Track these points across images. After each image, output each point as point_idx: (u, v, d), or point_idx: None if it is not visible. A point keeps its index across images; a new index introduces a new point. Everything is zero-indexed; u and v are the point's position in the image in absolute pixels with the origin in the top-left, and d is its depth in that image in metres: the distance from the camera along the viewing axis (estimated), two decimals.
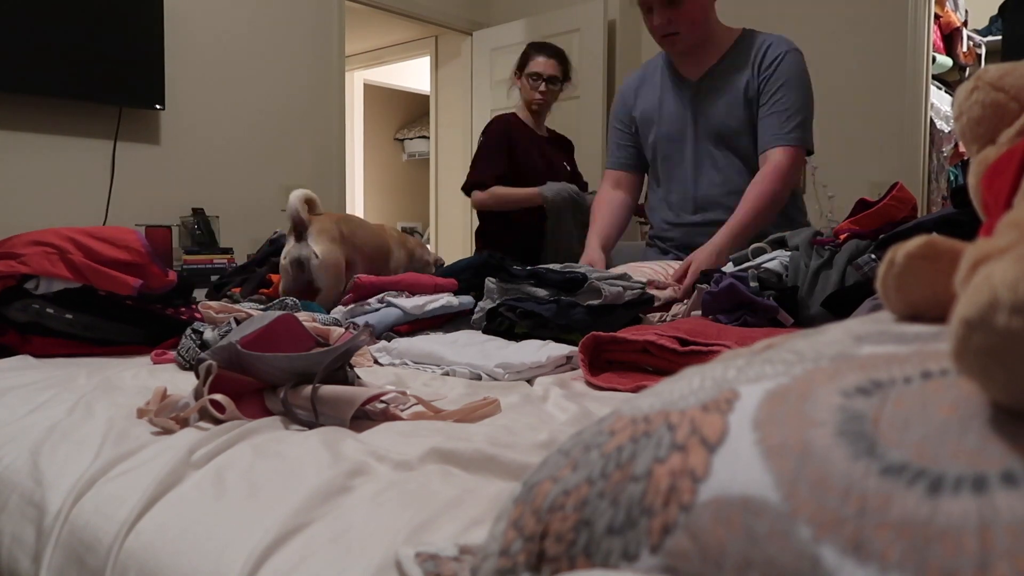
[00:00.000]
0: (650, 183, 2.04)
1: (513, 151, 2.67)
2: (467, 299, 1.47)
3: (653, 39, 1.85)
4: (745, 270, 1.28)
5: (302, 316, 1.28)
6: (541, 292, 1.33)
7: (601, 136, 3.86)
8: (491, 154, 2.67)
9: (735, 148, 1.83)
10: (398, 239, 1.95)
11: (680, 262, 1.64)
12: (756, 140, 1.80)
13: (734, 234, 1.68)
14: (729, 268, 1.33)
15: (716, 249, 1.64)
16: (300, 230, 1.67)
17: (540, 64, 2.69)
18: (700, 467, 0.30)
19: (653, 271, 1.59)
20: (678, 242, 1.92)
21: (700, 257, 1.62)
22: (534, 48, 2.75)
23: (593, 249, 1.90)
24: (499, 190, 2.65)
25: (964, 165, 3.69)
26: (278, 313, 0.99)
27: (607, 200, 2.01)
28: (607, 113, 3.90)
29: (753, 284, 1.22)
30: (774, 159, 1.74)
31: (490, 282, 1.41)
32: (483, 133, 2.78)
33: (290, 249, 1.68)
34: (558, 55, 2.73)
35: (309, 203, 1.70)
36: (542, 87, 2.68)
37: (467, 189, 2.75)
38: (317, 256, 1.64)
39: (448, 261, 1.88)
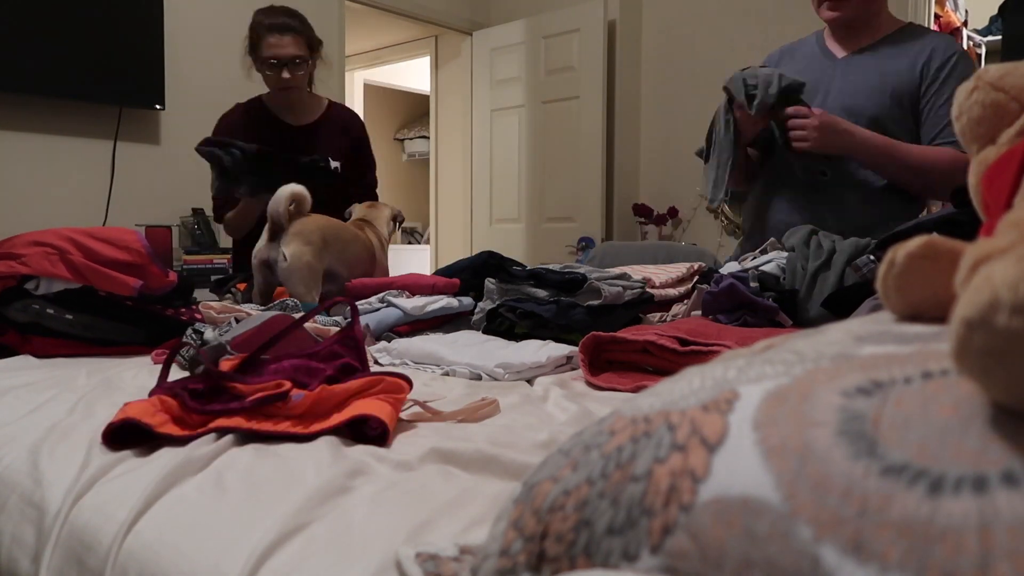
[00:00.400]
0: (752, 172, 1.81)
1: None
2: (467, 300, 1.47)
3: (815, 8, 1.70)
4: (745, 270, 1.28)
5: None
6: (541, 293, 1.33)
7: (601, 136, 3.86)
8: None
9: None
10: (379, 247, 1.84)
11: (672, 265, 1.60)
12: (892, 136, 1.63)
13: (877, 146, 1.56)
14: (732, 268, 1.33)
15: (849, 131, 1.53)
16: (276, 230, 1.55)
17: (274, 46, 2.01)
18: (700, 467, 0.30)
19: (654, 272, 1.58)
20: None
21: (830, 122, 1.52)
22: (263, 27, 2.04)
23: None
24: (229, 215, 2.07)
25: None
26: (273, 313, 0.99)
27: None
28: (607, 113, 3.90)
29: (753, 284, 1.22)
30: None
31: (490, 283, 1.41)
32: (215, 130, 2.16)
33: (260, 249, 1.56)
34: (293, 28, 2.04)
35: (298, 202, 1.58)
36: (284, 73, 2.03)
37: (216, 217, 2.18)
38: (285, 258, 1.52)
39: (448, 261, 1.86)
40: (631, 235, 4.03)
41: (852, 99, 1.66)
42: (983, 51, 3.92)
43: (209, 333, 1.20)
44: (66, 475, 0.69)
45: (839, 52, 1.74)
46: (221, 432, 0.74)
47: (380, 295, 1.45)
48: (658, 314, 1.41)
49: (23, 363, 1.20)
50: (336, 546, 0.51)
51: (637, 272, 1.49)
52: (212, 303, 1.39)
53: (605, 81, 3.86)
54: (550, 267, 1.40)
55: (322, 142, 2.17)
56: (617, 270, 1.45)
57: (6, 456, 0.77)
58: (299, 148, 2.08)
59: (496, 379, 1.07)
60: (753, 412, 0.31)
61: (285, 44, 2.01)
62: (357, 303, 1.45)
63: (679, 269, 1.52)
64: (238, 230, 2.11)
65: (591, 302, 1.28)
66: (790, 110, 1.57)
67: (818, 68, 1.74)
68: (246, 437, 0.73)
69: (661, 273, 1.49)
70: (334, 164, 1.96)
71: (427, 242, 5.87)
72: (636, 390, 0.97)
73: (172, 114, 3.09)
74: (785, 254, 1.32)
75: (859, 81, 1.67)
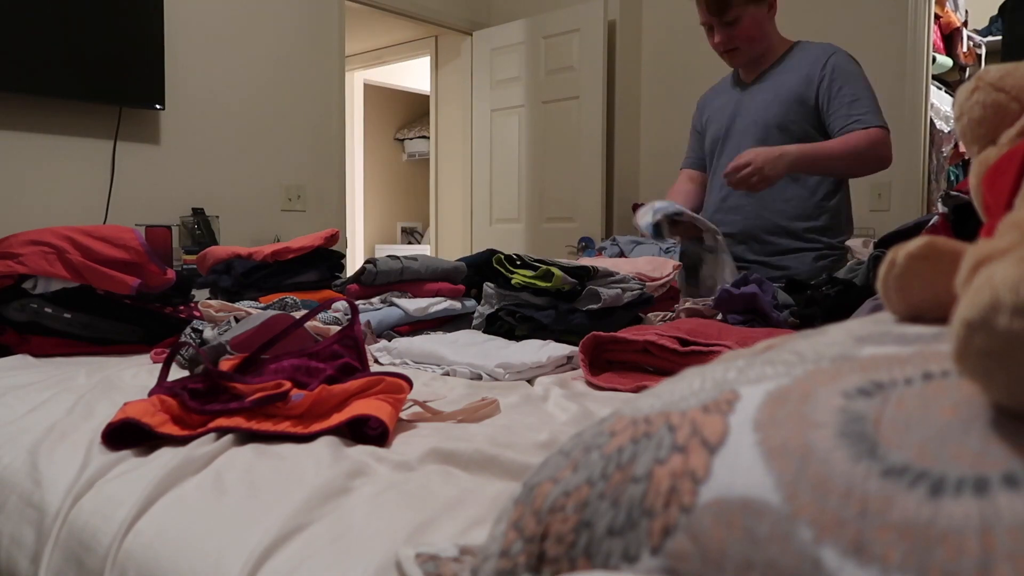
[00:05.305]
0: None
1: None
2: (470, 302, 1.47)
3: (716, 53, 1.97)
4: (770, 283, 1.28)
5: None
6: (538, 300, 1.32)
7: (601, 136, 3.86)
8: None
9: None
10: None
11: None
12: (796, 134, 1.86)
13: (807, 152, 1.72)
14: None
15: (782, 152, 1.69)
16: None
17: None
18: (701, 468, 0.30)
19: (639, 265, 1.58)
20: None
21: (762, 153, 1.68)
22: None
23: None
24: None
25: (964, 165, 3.69)
26: (273, 313, 0.99)
27: (678, 189, 2.19)
28: (607, 113, 3.90)
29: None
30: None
31: (488, 287, 1.40)
32: None
33: None
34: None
35: None
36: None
37: None
38: None
39: None
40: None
41: (759, 113, 1.93)
42: (983, 51, 3.92)
43: (208, 332, 1.20)
44: (65, 475, 0.69)
45: (747, 79, 2.03)
46: (221, 432, 0.74)
47: (382, 295, 1.45)
48: (659, 313, 1.41)
49: (21, 363, 1.20)
50: (336, 546, 0.51)
51: (628, 268, 1.48)
52: (211, 301, 1.39)
53: (605, 81, 3.85)
54: (558, 261, 1.38)
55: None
56: (601, 262, 1.45)
57: (5, 456, 0.77)
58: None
59: (496, 379, 1.06)
60: (754, 413, 0.31)
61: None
62: (358, 303, 1.45)
63: (665, 267, 1.52)
64: None
65: (590, 306, 1.27)
66: (730, 166, 1.71)
67: (732, 97, 2.04)
68: (246, 437, 0.73)
69: (654, 271, 1.49)
70: None
71: (426, 242, 5.87)
72: (636, 390, 0.97)
73: (172, 114, 3.09)
74: None
75: (763, 99, 1.94)
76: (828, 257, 1.90)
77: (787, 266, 1.89)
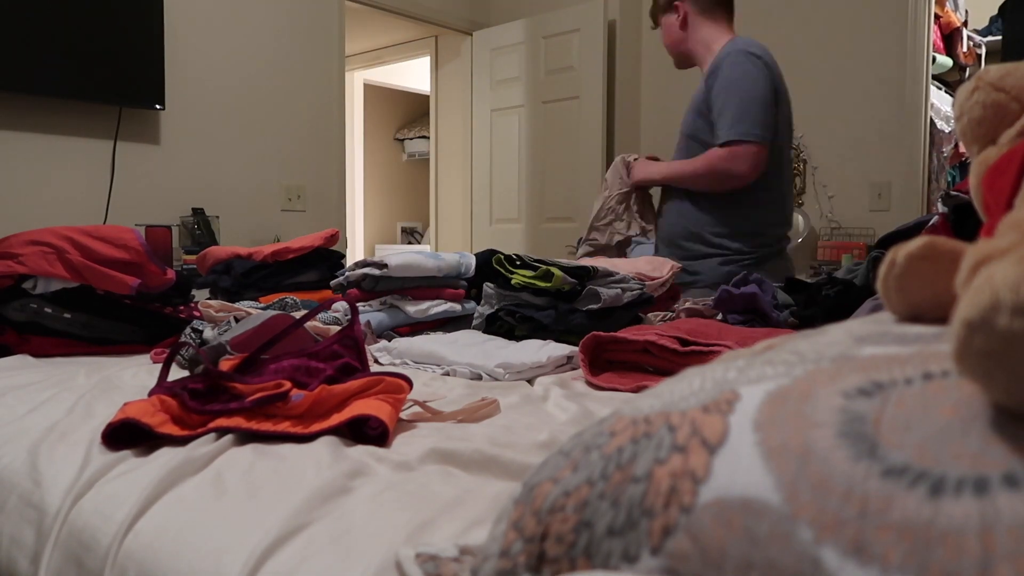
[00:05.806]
0: None
1: None
2: (470, 304, 1.47)
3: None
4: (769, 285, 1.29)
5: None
6: (538, 300, 1.32)
7: (601, 136, 3.86)
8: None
9: (690, 156, 1.96)
10: None
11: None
12: (708, 143, 1.91)
13: (667, 175, 1.97)
14: None
15: (648, 174, 1.99)
16: None
17: None
18: (701, 468, 0.30)
19: (639, 266, 1.58)
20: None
21: (641, 169, 2.01)
22: None
23: None
24: None
25: (964, 166, 3.69)
26: (273, 313, 0.99)
27: None
28: (607, 113, 3.90)
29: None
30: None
31: (488, 287, 1.40)
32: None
33: None
34: None
35: None
36: None
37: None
38: None
39: None
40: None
41: (683, 120, 2.02)
42: (983, 51, 3.92)
43: (208, 332, 1.20)
44: (65, 475, 0.69)
45: None
46: (221, 432, 0.74)
47: (383, 297, 1.45)
48: (659, 313, 1.41)
49: (21, 363, 1.20)
50: (336, 546, 0.51)
51: (628, 268, 1.48)
52: (211, 301, 1.39)
53: (605, 81, 3.85)
54: (558, 261, 1.39)
55: None
56: (590, 261, 1.45)
57: (5, 456, 0.77)
58: None
59: (496, 379, 1.06)
60: (754, 413, 0.31)
61: None
62: (358, 304, 1.45)
63: (664, 267, 1.52)
64: None
65: (590, 306, 1.27)
66: None
67: None
68: (246, 437, 0.73)
69: (654, 271, 1.49)
70: None
71: (427, 242, 5.87)
72: (636, 390, 0.97)
73: (172, 114, 3.09)
74: None
75: (687, 107, 2.01)
76: (734, 262, 1.89)
77: (697, 271, 1.91)
